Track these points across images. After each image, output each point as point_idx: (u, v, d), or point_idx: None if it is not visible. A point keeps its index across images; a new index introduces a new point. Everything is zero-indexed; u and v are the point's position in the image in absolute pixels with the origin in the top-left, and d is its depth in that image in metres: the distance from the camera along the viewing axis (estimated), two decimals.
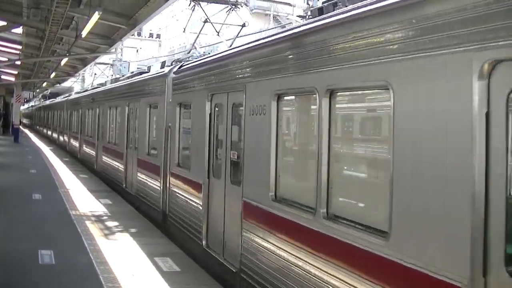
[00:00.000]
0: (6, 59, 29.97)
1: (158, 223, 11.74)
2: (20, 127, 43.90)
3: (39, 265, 8.21)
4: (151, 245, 9.76)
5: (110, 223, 11.60)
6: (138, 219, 12.38)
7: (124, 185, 15.59)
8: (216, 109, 8.75)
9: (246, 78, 7.41)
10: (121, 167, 16.10)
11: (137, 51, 48.70)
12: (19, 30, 23.75)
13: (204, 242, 8.86)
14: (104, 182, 18.38)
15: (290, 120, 6.91)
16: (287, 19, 26.09)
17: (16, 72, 38.89)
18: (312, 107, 5.97)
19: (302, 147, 6.67)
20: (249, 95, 7.23)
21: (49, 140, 42.40)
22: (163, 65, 13.88)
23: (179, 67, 11.24)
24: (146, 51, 63.01)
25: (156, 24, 75.59)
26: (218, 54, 9.53)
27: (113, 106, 17.96)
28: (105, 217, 12.26)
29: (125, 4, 16.87)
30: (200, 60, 10.36)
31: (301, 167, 6.68)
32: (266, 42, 7.13)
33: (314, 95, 5.60)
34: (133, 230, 10.97)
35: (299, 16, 23.30)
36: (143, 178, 13.43)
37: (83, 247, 9.36)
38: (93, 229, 10.88)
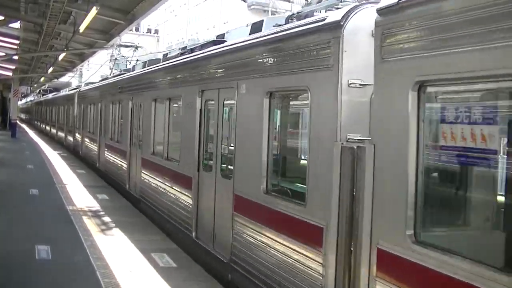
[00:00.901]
0: (3, 54, 29.91)
1: None
2: (18, 122, 43.75)
3: (36, 261, 8.20)
4: (148, 241, 9.77)
5: (107, 219, 11.60)
6: (135, 215, 12.37)
7: (194, 234, 9.00)
8: None
9: None
10: (186, 201, 9.45)
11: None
12: (16, 24, 23.70)
13: None
14: (147, 215, 11.99)
15: None
16: (285, 15, 26.03)
17: (13, 67, 38.80)
18: None
19: None
20: None
21: (51, 139, 38.14)
22: (258, 27, 8.19)
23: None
24: (144, 46, 62.90)
25: (154, 19, 75.53)
26: None
27: (164, 98, 11.55)
28: (102, 213, 12.25)
29: None
30: None
31: None
32: None
33: None
34: (130, 225, 10.96)
35: (297, 13, 23.31)
36: (255, 237, 6.84)
37: (80, 242, 9.36)
38: (90, 224, 10.88)
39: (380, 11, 4.77)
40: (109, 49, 26.89)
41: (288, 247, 6.03)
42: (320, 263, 5.37)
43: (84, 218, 11.50)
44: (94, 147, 20.74)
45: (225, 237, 7.69)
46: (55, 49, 26.09)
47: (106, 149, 18.09)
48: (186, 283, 7.62)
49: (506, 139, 3.75)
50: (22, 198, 13.68)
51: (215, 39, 10.67)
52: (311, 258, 5.53)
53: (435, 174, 4.73)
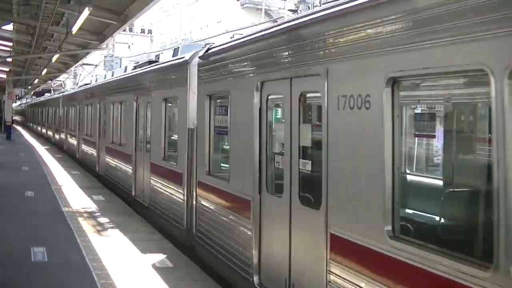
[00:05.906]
0: None
1: None
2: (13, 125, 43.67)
3: (31, 263, 8.20)
4: (144, 241, 9.77)
5: (103, 219, 11.60)
6: (131, 215, 12.38)
7: None
8: None
9: None
10: None
11: (129, 47, 48.57)
12: (9, 27, 23.66)
13: None
14: None
15: None
16: (279, 13, 26.06)
17: (7, 69, 38.73)
18: None
19: None
20: None
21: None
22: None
23: None
24: (138, 46, 62.87)
25: (148, 19, 75.48)
26: None
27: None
28: (97, 214, 12.25)
29: None
30: None
31: None
32: None
33: None
34: (126, 226, 10.96)
35: (291, 10, 23.34)
36: None
37: (76, 243, 9.36)
38: (86, 225, 10.88)
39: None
40: (102, 50, 26.87)
41: None
42: None
43: (80, 219, 11.50)
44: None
45: None
46: (49, 51, 26.06)
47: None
48: (183, 282, 7.63)
49: None
50: (18, 199, 13.66)
51: None
52: None
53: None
